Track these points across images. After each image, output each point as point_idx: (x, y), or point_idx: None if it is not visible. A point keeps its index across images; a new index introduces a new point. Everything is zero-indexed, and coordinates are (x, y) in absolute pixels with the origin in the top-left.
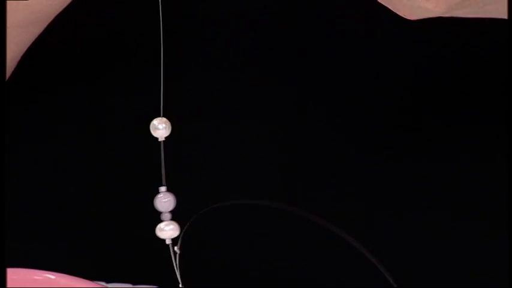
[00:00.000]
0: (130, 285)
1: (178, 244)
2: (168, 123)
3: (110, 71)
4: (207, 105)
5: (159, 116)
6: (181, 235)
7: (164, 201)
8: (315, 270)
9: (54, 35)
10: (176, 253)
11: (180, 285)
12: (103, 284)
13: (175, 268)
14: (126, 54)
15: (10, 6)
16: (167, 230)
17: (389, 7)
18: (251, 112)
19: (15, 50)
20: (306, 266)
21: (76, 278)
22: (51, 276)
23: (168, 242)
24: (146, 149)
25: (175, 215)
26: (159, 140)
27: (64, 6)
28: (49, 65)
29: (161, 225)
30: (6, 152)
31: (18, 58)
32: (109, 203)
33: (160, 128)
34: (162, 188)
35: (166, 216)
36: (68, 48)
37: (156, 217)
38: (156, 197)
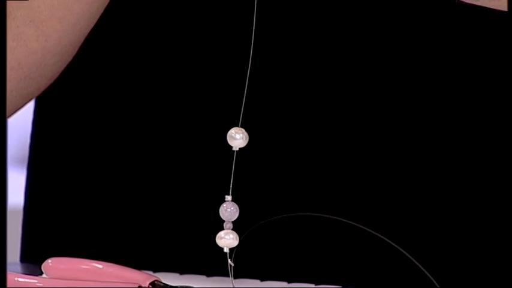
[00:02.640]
0: (178, 274)
1: (233, 257)
2: (246, 134)
3: (190, 77)
4: (282, 118)
5: (237, 125)
6: (234, 250)
7: (229, 210)
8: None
9: (125, 34)
10: (231, 266)
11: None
12: (150, 273)
13: (230, 276)
14: (209, 62)
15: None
16: (226, 239)
17: None
18: (325, 128)
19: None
20: (362, 277)
21: (123, 267)
22: (98, 265)
23: (225, 250)
24: (221, 156)
25: (238, 225)
26: (233, 149)
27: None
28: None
29: (221, 234)
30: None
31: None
32: (169, 200)
33: (237, 138)
34: (228, 197)
35: (228, 225)
36: (144, 50)
37: (217, 223)
38: (221, 206)
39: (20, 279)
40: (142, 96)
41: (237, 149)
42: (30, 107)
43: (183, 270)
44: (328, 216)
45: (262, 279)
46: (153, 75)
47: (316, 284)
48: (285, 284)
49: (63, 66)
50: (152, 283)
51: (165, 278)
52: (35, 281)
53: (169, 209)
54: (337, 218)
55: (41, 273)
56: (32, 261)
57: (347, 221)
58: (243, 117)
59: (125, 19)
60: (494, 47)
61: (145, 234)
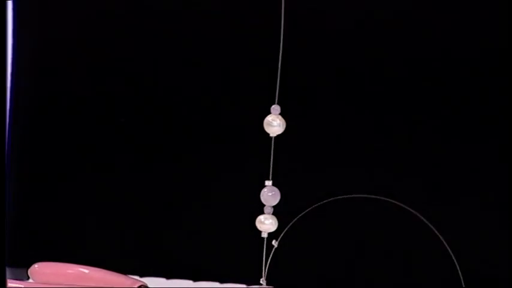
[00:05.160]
0: (164, 279)
1: (279, 238)
2: (283, 121)
3: (228, 68)
4: (318, 104)
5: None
6: (283, 232)
7: (269, 194)
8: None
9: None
10: (274, 246)
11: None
12: (137, 278)
13: (264, 261)
14: (243, 48)
15: None
16: (266, 224)
17: None
18: (359, 114)
19: None
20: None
21: (110, 271)
22: (84, 270)
23: (263, 235)
24: (258, 142)
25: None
26: (271, 135)
27: None
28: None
29: (261, 218)
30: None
31: None
32: (155, 206)
33: (274, 125)
34: (268, 182)
35: (268, 209)
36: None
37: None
38: (262, 190)
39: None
40: (134, 102)
41: (275, 135)
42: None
43: (169, 275)
44: (373, 197)
45: (195, 280)
46: (145, 82)
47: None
48: (217, 284)
49: None
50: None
51: (152, 282)
52: (21, 286)
53: (155, 214)
54: (389, 200)
55: (28, 277)
56: (18, 266)
57: (400, 204)
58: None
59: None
60: (494, 47)
61: (132, 239)
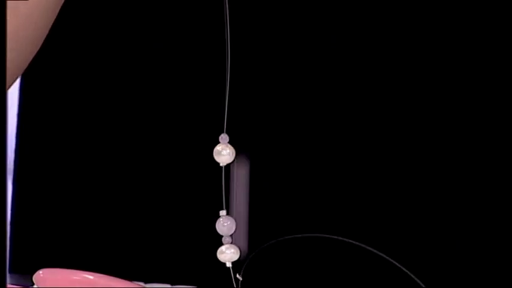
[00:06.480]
0: (169, 286)
1: (241, 272)
2: (232, 150)
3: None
4: (269, 131)
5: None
6: (245, 264)
7: (225, 225)
8: None
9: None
10: (238, 280)
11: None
12: (141, 284)
13: None
14: (191, 75)
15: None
16: (228, 253)
17: None
18: (312, 137)
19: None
20: None
21: (114, 278)
22: (89, 276)
23: (228, 265)
24: (209, 172)
25: (235, 238)
26: (221, 165)
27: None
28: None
29: (222, 248)
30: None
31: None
32: (160, 210)
33: (224, 154)
34: (223, 212)
35: (227, 239)
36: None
37: (210, 233)
38: (217, 221)
39: None
40: (126, 113)
41: (225, 164)
42: (13, 121)
43: (174, 281)
44: (330, 236)
45: (172, 284)
46: (139, 88)
47: None
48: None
49: (23, 64)
50: None
51: None
52: None
53: (159, 219)
54: (344, 240)
55: (32, 284)
56: (21, 272)
57: (356, 243)
58: (230, 132)
59: (102, 25)
60: (494, 46)
61: (137, 245)
